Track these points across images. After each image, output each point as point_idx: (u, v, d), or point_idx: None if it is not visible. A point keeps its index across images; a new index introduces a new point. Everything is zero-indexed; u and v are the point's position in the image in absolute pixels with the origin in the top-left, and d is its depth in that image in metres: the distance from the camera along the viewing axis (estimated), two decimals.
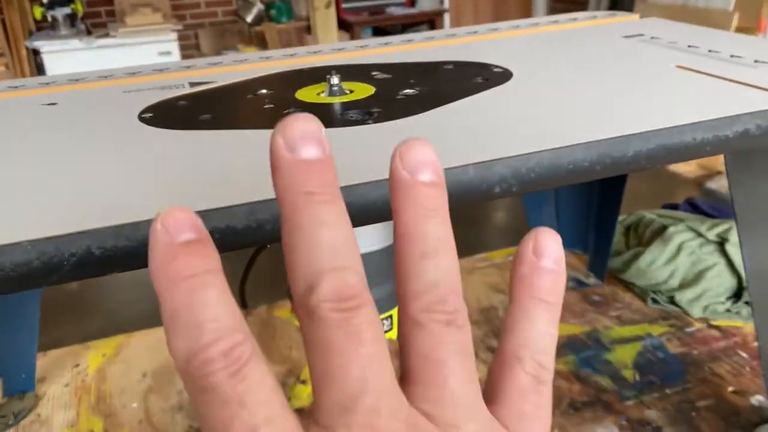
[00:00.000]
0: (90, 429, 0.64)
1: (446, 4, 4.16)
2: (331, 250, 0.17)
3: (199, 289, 0.16)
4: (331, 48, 0.63)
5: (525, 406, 0.19)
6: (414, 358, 0.18)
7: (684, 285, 0.78)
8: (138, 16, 3.16)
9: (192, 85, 0.53)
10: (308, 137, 0.18)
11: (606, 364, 0.70)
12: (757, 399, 0.64)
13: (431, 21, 3.94)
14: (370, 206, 0.32)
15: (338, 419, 0.16)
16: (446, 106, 0.44)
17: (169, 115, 0.45)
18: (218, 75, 0.55)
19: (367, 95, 0.48)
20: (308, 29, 3.64)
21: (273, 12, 3.60)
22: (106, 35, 3.11)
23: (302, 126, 0.18)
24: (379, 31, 3.91)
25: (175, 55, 3.20)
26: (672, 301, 0.78)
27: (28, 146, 0.40)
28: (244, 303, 0.82)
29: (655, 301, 0.79)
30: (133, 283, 1.93)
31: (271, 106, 0.46)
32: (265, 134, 0.40)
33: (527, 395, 0.19)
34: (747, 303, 0.75)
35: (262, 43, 3.58)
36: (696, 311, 0.76)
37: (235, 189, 0.32)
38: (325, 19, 3.62)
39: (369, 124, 0.41)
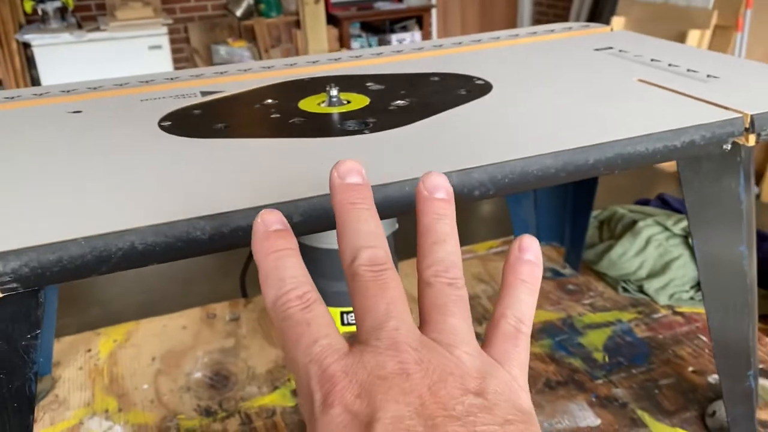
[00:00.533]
0: (105, 408, 0.70)
1: (434, 0, 4.21)
2: (367, 236, 0.27)
3: (283, 257, 0.26)
4: (327, 58, 0.68)
5: (506, 345, 0.26)
6: (425, 307, 0.26)
7: (652, 275, 0.84)
8: (128, 10, 3.19)
9: (203, 94, 0.58)
10: (353, 170, 0.28)
11: (579, 347, 0.77)
12: (713, 377, 0.70)
13: (419, 16, 3.99)
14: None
15: (371, 336, 0.24)
16: (433, 117, 0.49)
17: (186, 123, 0.51)
18: (226, 84, 0.61)
19: (363, 106, 0.53)
20: (297, 24, 3.68)
21: (262, 6, 3.64)
22: (97, 29, 3.13)
23: (349, 164, 0.28)
24: (368, 26, 3.96)
25: (166, 49, 3.23)
26: (641, 289, 0.85)
27: (69, 153, 0.45)
28: (244, 292, 0.88)
29: (625, 289, 0.85)
30: (125, 276, 1.97)
31: (278, 115, 0.52)
32: (275, 143, 0.46)
33: (509, 339, 0.27)
34: None
35: (251, 38, 3.62)
36: (662, 299, 0.83)
37: (253, 193, 0.38)
38: (314, 14, 3.66)
39: (365, 133, 0.47)
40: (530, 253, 0.29)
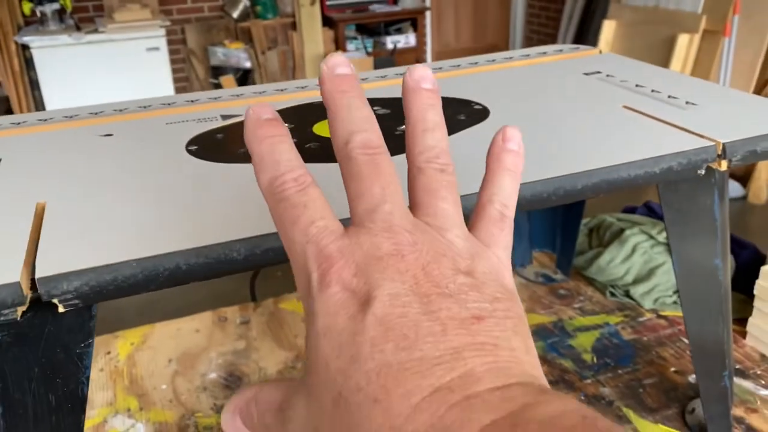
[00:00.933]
0: (127, 407, 0.75)
1: (428, 2, 4.26)
2: (360, 120, 0.28)
3: (277, 143, 0.27)
4: None
5: (493, 229, 0.29)
6: (417, 192, 0.28)
7: (637, 280, 0.90)
8: (126, 11, 3.22)
9: (223, 117, 0.63)
10: (342, 62, 0.29)
11: (569, 348, 0.82)
12: (693, 377, 0.76)
13: (413, 19, 4.04)
14: None
15: (366, 219, 0.26)
16: None
17: (211, 148, 0.56)
18: (243, 108, 0.66)
19: None
20: (293, 25, 3.72)
21: (259, 8, 3.68)
22: (95, 31, 3.17)
23: (338, 57, 0.29)
24: (363, 28, 4.00)
25: (164, 51, 3.26)
26: (627, 294, 0.90)
27: (108, 177, 0.50)
28: (253, 297, 0.93)
29: (612, 294, 0.91)
30: None
31: (295, 140, 0.57)
32: None
33: (495, 222, 0.29)
34: None
35: (248, 39, 3.66)
36: (647, 303, 0.88)
37: None
38: (310, 16, 3.71)
39: None
40: (513, 143, 0.31)
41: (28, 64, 3.14)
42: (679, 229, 0.57)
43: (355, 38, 3.94)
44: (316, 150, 0.55)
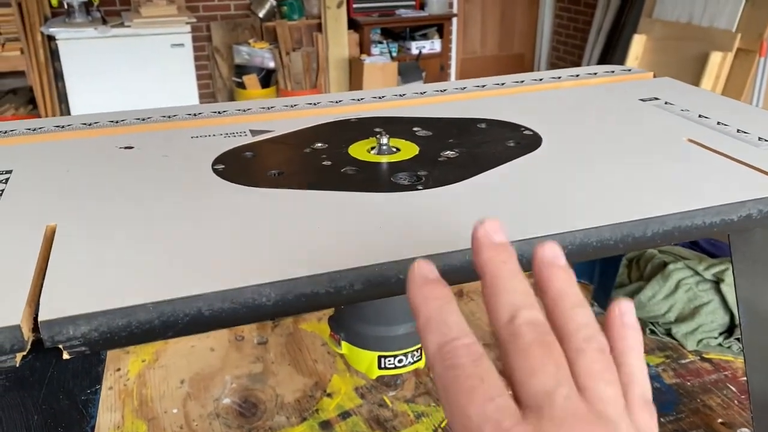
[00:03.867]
0: (135, 431, 0.71)
1: (455, 9, 4.21)
2: (525, 296, 0.27)
3: (445, 304, 0.27)
4: (372, 96, 0.69)
5: (644, 415, 0.27)
6: (581, 375, 0.26)
7: (680, 319, 0.84)
8: (153, 7, 3.20)
9: (253, 133, 0.59)
10: (498, 229, 0.29)
11: None
12: (742, 431, 0.70)
13: (439, 25, 3.99)
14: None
15: (544, 403, 0.24)
16: (485, 173, 0.50)
17: (239, 167, 0.51)
18: (273, 123, 0.61)
19: (413, 155, 0.54)
20: (319, 27, 3.69)
21: (285, 9, 3.65)
22: (121, 24, 3.15)
23: (494, 223, 0.29)
24: (388, 32, 3.96)
25: (188, 48, 3.24)
26: (668, 333, 0.85)
27: (126, 199, 0.45)
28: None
29: (653, 332, 0.85)
30: None
31: (329, 163, 0.52)
32: (330, 197, 0.46)
33: (644, 409, 0.27)
34: (738, 339, 0.82)
35: (273, 39, 3.63)
36: (690, 344, 0.83)
37: (312, 259, 0.38)
38: (336, 18, 3.67)
39: (419, 189, 0.47)
40: (630, 316, 0.30)
41: (53, 55, 3.12)
42: (751, 280, 0.52)
43: (380, 42, 3.90)
44: (354, 175, 0.50)
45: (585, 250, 0.41)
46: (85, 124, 0.60)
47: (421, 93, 0.70)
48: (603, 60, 3.85)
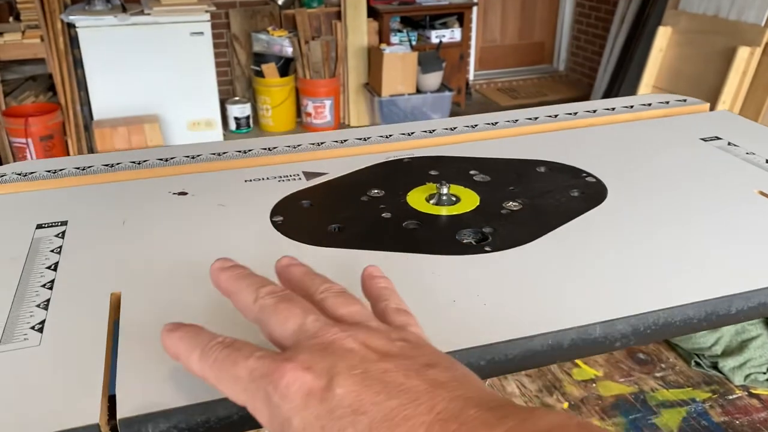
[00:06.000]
0: None
1: None
2: (258, 280, 0.33)
3: (192, 328, 0.32)
4: (421, 130, 0.67)
5: (399, 318, 0.33)
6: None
7: (727, 353, 0.82)
8: None
9: (306, 176, 0.57)
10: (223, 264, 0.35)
11: (653, 428, 0.75)
12: None
13: (460, 13, 3.94)
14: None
15: (298, 335, 0.29)
16: (553, 232, 0.48)
17: (298, 220, 0.50)
18: (325, 163, 0.60)
19: (474, 206, 0.52)
20: (338, 15, 3.65)
21: None
22: (141, 12, 3.12)
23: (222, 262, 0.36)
24: (407, 21, 3.92)
25: (207, 36, 3.21)
26: (714, 366, 0.83)
27: (192, 259, 0.44)
28: None
29: (698, 364, 0.84)
30: None
31: (389, 215, 0.51)
32: (396, 259, 0.45)
33: (399, 313, 0.34)
34: None
35: (292, 27, 3.59)
36: (738, 379, 0.81)
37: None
38: (355, 6, 3.63)
39: (487, 251, 0.46)
40: (379, 278, 0.36)
41: (72, 42, 3.11)
42: None
43: (399, 31, 3.85)
44: (416, 232, 0.48)
45: (668, 330, 0.40)
46: (134, 162, 0.59)
47: (472, 126, 0.68)
48: (625, 52, 3.79)
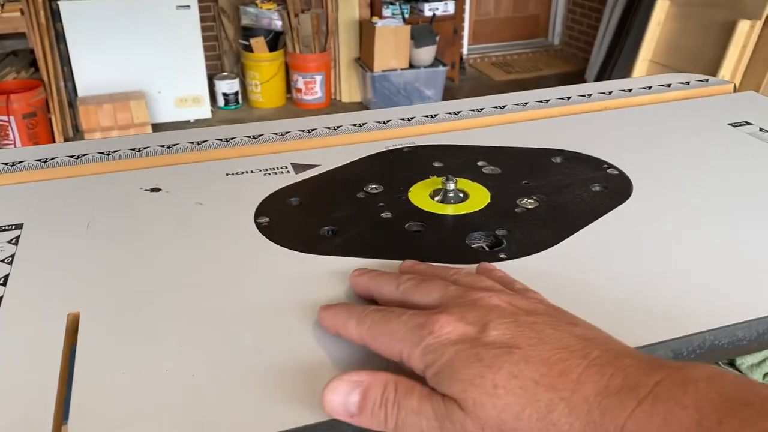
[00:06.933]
0: None
1: None
2: (394, 274, 0.35)
3: (342, 309, 0.34)
4: (422, 114, 0.61)
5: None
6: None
7: None
8: None
9: (295, 168, 0.51)
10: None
11: None
12: None
13: None
14: None
15: (442, 301, 0.31)
16: (575, 236, 0.42)
17: (286, 222, 0.44)
18: (317, 153, 0.54)
19: (485, 204, 0.46)
20: None
21: None
22: None
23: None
24: None
25: (194, 9, 3.12)
26: (731, 363, 0.78)
27: (163, 274, 0.38)
28: None
29: (717, 363, 0.79)
30: None
31: (389, 215, 0.45)
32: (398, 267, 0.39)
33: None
34: None
35: (281, 0, 3.49)
36: (756, 377, 0.76)
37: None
38: None
39: (502, 259, 0.40)
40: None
41: (54, 16, 3.00)
42: None
43: (392, 3, 3.75)
44: (421, 236, 0.43)
45: (715, 353, 0.35)
46: (102, 153, 0.53)
47: (478, 110, 0.62)
48: (622, 25, 3.71)
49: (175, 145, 0.54)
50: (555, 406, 0.24)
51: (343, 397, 0.28)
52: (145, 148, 0.54)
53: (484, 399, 0.25)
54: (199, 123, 3.17)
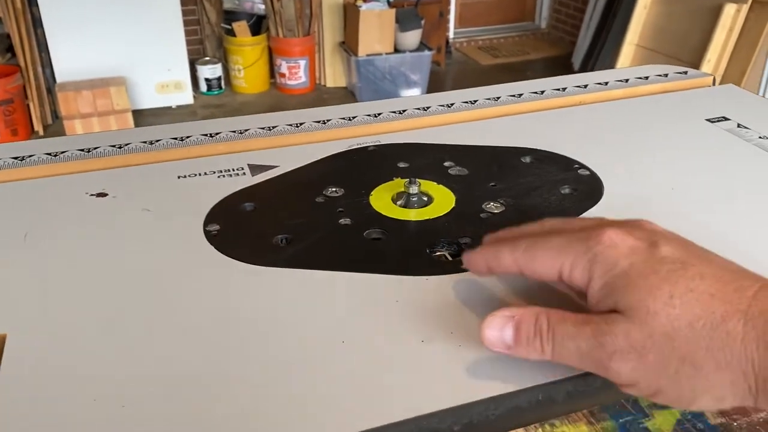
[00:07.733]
0: None
1: None
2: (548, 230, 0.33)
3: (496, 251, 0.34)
4: (390, 110, 0.58)
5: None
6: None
7: None
8: None
9: (252, 169, 0.49)
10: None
11: None
12: None
13: None
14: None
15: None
16: None
17: (238, 230, 0.41)
18: (276, 153, 0.51)
19: (449, 209, 0.44)
20: None
21: None
22: None
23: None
24: None
25: None
26: None
27: (101, 294, 0.36)
28: None
29: None
30: None
31: (348, 221, 0.43)
32: (358, 282, 0.37)
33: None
34: None
35: None
36: None
37: (353, 410, 0.29)
38: None
39: (464, 270, 0.38)
40: None
41: (30, 1, 2.94)
42: None
43: None
44: (381, 245, 0.40)
45: None
46: (49, 154, 0.50)
47: (448, 106, 0.59)
48: (608, 9, 3.68)
49: (127, 144, 0.51)
50: (731, 316, 0.26)
51: (498, 332, 0.30)
52: (95, 148, 0.51)
53: (659, 308, 0.26)
54: (181, 109, 3.13)
